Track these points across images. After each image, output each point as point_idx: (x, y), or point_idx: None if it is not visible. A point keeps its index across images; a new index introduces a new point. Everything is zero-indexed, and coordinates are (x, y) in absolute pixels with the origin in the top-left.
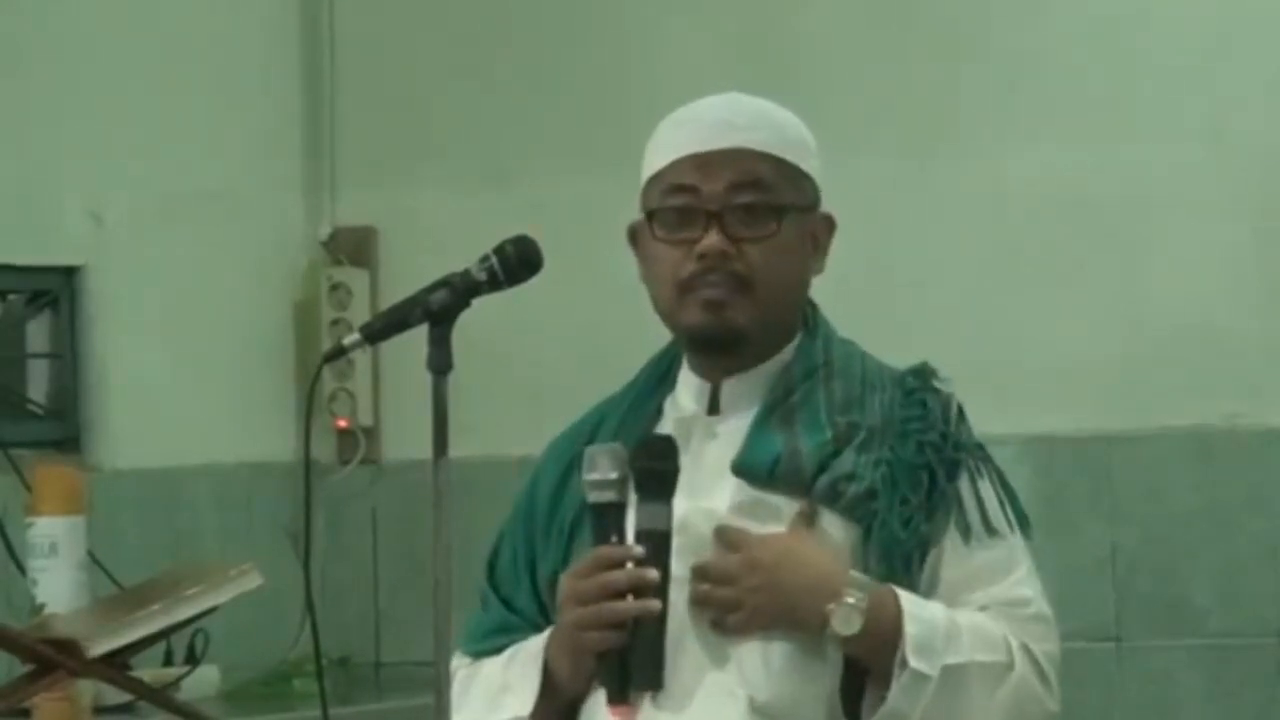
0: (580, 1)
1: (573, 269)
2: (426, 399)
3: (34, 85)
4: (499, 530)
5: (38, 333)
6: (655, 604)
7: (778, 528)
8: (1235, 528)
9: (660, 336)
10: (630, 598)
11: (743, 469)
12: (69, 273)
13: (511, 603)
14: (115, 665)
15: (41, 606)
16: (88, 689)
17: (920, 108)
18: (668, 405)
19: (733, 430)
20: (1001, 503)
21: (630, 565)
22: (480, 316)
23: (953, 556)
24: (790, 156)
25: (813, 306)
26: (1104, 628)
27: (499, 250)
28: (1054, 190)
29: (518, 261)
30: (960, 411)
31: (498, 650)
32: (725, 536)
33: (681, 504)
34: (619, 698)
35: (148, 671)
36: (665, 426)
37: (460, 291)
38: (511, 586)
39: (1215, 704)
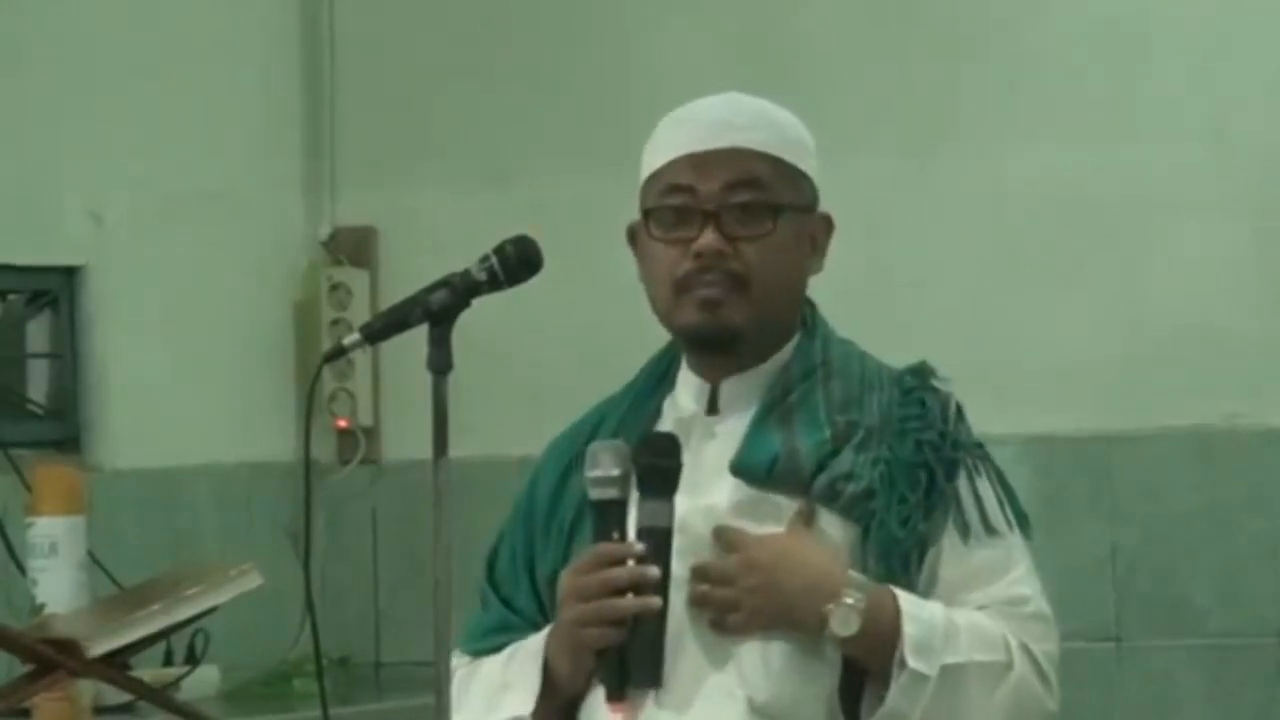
0: (580, 1)
1: (573, 269)
2: (426, 399)
3: (34, 85)
4: (499, 530)
5: (38, 333)
6: (655, 601)
7: (776, 527)
8: (1235, 528)
9: (660, 337)
10: (630, 595)
11: (741, 469)
12: (69, 273)
13: (511, 602)
14: (115, 665)
15: (41, 606)
16: (88, 689)
17: (920, 108)
18: (667, 405)
19: (731, 430)
20: (1000, 501)
21: (631, 562)
22: (480, 316)
23: (951, 555)
24: (788, 156)
25: (811, 306)
26: (1104, 628)
27: (499, 250)
28: (1054, 190)
29: (518, 261)
30: (959, 410)
31: (497, 649)
32: (724, 537)
33: (680, 504)
34: (618, 695)
35: (148, 671)
36: (664, 427)
37: (460, 291)
38: (511, 586)
39: (1215, 704)
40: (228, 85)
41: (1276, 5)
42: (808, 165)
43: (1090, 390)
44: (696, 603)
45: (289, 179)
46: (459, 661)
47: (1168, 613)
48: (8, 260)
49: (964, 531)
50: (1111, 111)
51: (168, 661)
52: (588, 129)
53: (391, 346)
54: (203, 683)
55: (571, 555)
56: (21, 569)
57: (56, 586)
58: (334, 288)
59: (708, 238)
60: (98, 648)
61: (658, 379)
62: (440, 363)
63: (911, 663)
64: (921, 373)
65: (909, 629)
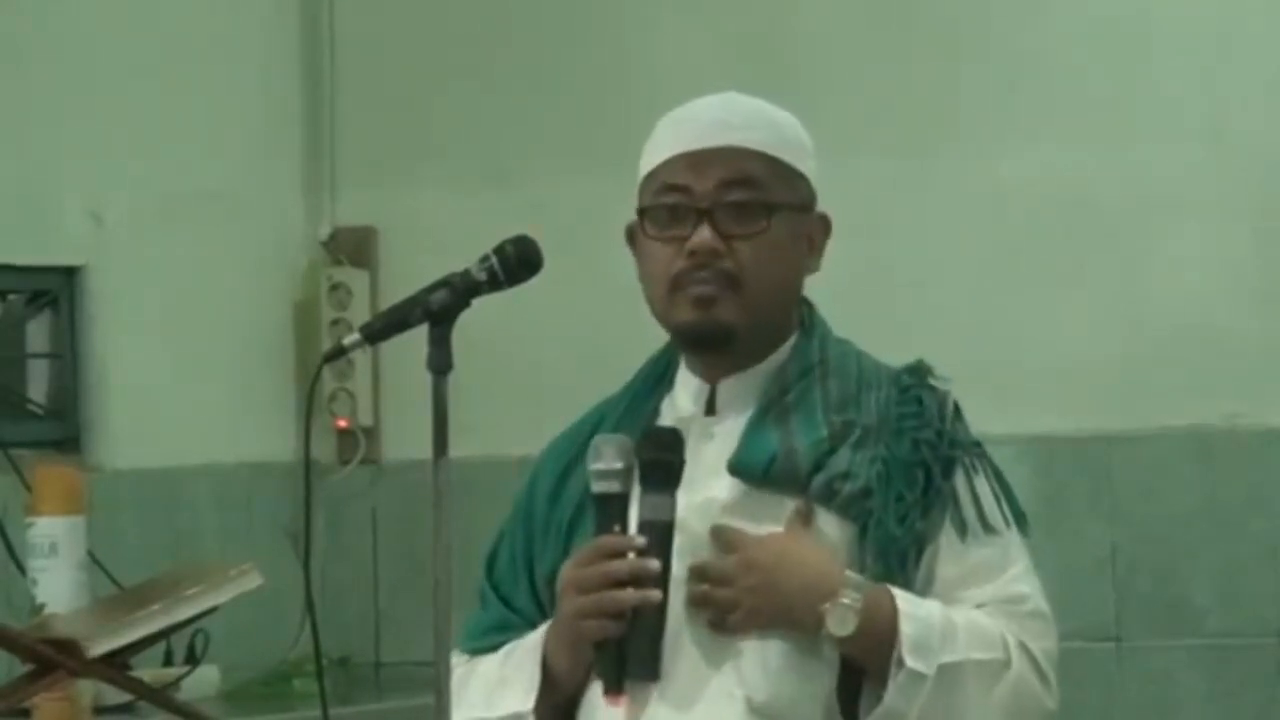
0: (580, 1)
1: (573, 269)
2: (426, 399)
3: (34, 85)
4: (499, 530)
5: (38, 333)
6: (655, 594)
7: (774, 527)
8: (1235, 528)
9: (659, 337)
10: (630, 589)
11: (739, 468)
12: (69, 273)
13: (510, 602)
14: (115, 665)
15: (41, 606)
16: (88, 689)
17: (920, 108)
18: (665, 406)
19: (729, 431)
20: (998, 499)
21: (632, 555)
22: (480, 316)
23: (949, 553)
24: (785, 156)
25: (809, 306)
26: (1104, 628)
27: (499, 250)
28: (1054, 190)
29: (518, 261)
30: (956, 409)
31: (496, 648)
32: (722, 537)
33: (679, 503)
34: (615, 687)
35: (148, 671)
36: None
37: (460, 291)
38: (510, 586)
39: (1215, 704)
40: (228, 85)
41: (1276, 5)
42: (805, 165)
43: (1090, 390)
44: (695, 603)
45: (289, 179)
46: (457, 660)
47: (1168, 613)
48: (8, 260)
49: (961, 529)
50: (1111, 111)
51: (168, 661)
52: (588, 129)
53: (391, 346)
54: (203, 683)
55: (570, 554)
56: (21, 569)
57: (56, 586)
58: (334, 288)
59: (702, 235)
60: (98, 648)
61: (656, 379)
62: (440, 363)
63: (909, 661)
64: (919, 371)
65: (906, 628)
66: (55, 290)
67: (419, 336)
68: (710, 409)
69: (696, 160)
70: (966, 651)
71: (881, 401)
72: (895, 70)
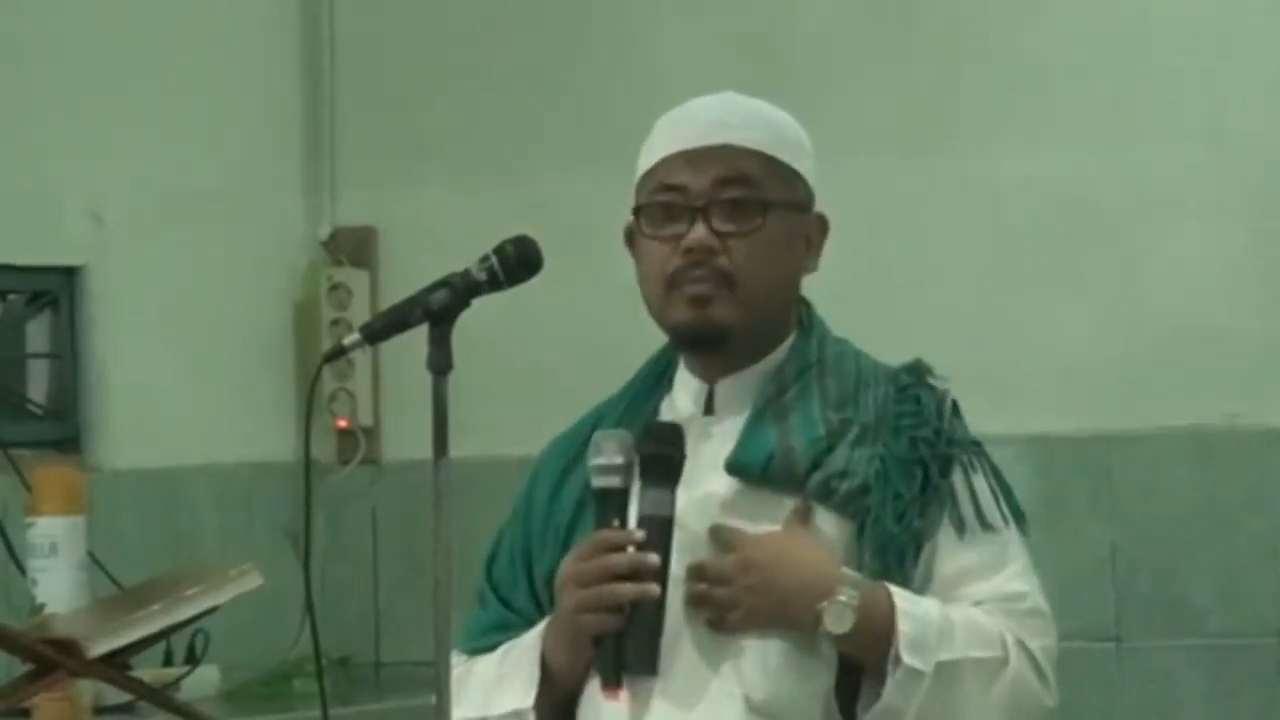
0: (580, 1)
1: (573, 269)
2: (426, 399)
3: (34, 85)
4: (499, 530)
5: (38, 333)
6: (654, 588)
7: (772, 526)
8: (1235, 528)
9: (659, 337)
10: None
11: (737, 467)
12: (69, 273)
13: (510, 602)
14: (115, 665)
15: (41, 606)
16: (88, 689)
17: (920, 108)
18: (664, 407)
19: (728, 431)
20: (996, 497)
21: (631, 549)
22: (480, 316)
23: (947, 551)
24: (782, 155)
25: (807, 306)
26: (1104, 628)
27: (499, 250)
28: (1054, 191)
29: (518, 261)
30: (954, 407)
31: (494, 648)
32: (720, 536)
33: (677, 502)
34: (614, 682)
35: (148, 671)
36: None
37: (460, 291)
38: (509, 586)
39: (1215, 704)
40: (228, 85)
41: (1276, 5)
42: (803, 166)
43: (1090, 390)
44: (694, 602)
45: (289, 179)
46: (456, 661)
47: (1168, 613)
48: (8, 260)
49: (959, 527)
50: (1111, 111)
51: (168, 661)
52: (588, 129)
53: (391, 346)
54: (203, 683)
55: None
56: (21, 569)
57: (56, 586)
58: (334, 288)
59: (697, 232)
60: (98, 648)
61: (656, 380)
62: (440, 363)
63: (906, 659)
64: (917, 370)
65: (904, 626)
66: (55, 290)
67: (419, 336)
68: (709, 409)
69: (693, 159)
70: (964, 649)
71: (879, 400)
72: (895, 70)
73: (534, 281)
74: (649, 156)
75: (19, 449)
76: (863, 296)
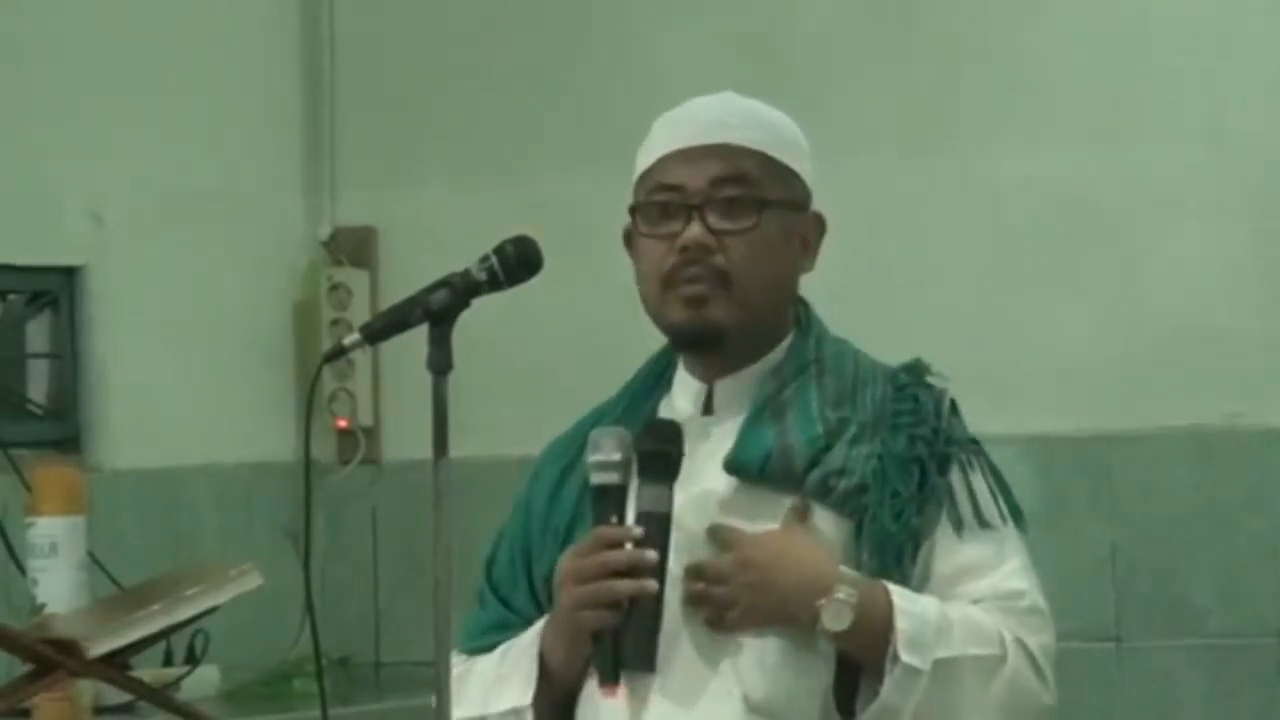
0: (580, 1)
1: (573, 269)
2: (426, 399)
3: (34, 85)
4: (499, 530)
5: (38, 333)
6: (652, 584)
7: (771, 524)
8: (1235, 528)
9: (659, 337)
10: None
11: (735, 466)
12: (69, 273)
13: (509, 602)
14: (115, 665)
15: (41, 606)
16: (88, 689)
17: (920, 108)
18: (663, 407)
19: (727, 430)
20: (994, 495)
21: (629, 545)
22: (480, 316)
23: (945, 549)
24: (779, 154)
25: (805, 306)
26: (1104, 628)
27: (499, 250)
28: (1054, 191)
29: (518, 261)
30: (953, 406)
31: (494, 648)
32: (718, 535)
33: (675, 501)
34: (611, 679)
35: (148, 671)
36: None
37: (460, 291)
38: (509, 586)
39: (1215, 704)
40: (228, 85)
41: (1277, 5)
42: (800, 165)
43: (1090, 390)
44: (692, 601)
45: (289, 179)
46: (456, 661)
47: (1168, 613)
48: (8, 260)
49: (957, 525)
50: (1111, 112)
51: (168, 661)
52: (588, 129)
53: (391, 346)
54: (203, 683)
55: None
56: (21, 569)
57: (56, 586)
58: (334, 288)
59: (692, 230)
60: (98, 648)
61: (655, 380)
62: (440, 363)
63: (904, 657)
64: (915, 369)
65: (901, 623)
66: (55, 290)
67: (419, 336)
68: (708, 409)
69: (691, 158)
70: (963, 647)
71: (878, 398)
72: (895, 70)
73: (534, 281)
74: (647, 156)
75: (19, 449)
76: (863, 296)
